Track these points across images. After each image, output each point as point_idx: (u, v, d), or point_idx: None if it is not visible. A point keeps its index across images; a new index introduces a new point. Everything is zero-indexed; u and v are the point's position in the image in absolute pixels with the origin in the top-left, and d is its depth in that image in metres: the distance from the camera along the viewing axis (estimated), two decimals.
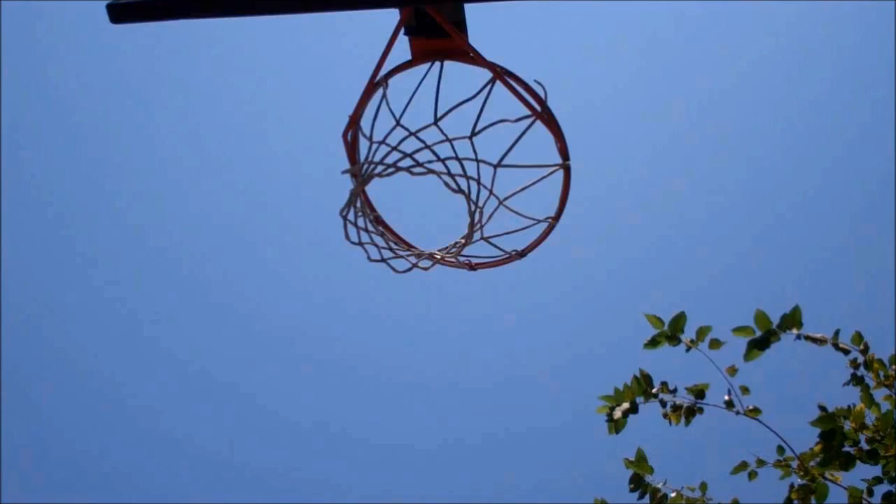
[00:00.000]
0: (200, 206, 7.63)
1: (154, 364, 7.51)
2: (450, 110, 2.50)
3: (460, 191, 2.59)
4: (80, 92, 7.69)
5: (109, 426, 7.35)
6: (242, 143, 7.77)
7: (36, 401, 7.29)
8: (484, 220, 2.60)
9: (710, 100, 7.55)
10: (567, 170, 2.50)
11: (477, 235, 2.61)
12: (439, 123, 2.58)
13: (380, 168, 2.57)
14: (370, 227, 2.72)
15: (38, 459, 7.25)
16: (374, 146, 2.61)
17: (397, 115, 2.57)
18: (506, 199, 2.55)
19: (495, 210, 2.58)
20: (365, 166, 2.58)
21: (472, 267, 2.71)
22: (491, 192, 2.53)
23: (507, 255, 2.65)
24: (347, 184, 2.67)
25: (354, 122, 2.58)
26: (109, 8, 2.08)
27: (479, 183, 2.55)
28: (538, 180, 2.57)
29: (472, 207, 2.55)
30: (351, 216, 2.63)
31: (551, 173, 2.55)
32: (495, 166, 2.49)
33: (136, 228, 7.88)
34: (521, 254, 2.65)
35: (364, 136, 2.71)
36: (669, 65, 7.50)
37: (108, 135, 7.78)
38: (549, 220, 2.59)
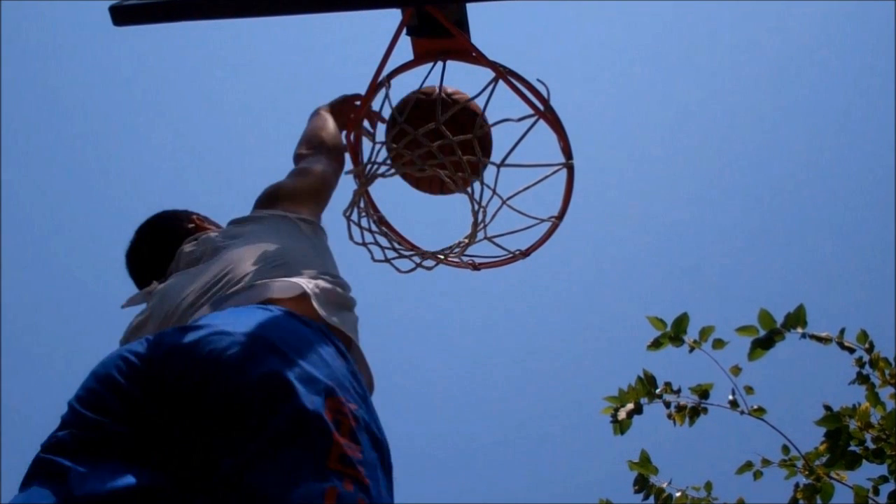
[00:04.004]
0: (201, 208, 7.64)
1: None
2: (452, 111, 2.49)
3: (471, 196, 2.58)
4: (82, 94, 7.68)
5: None
6: (243, 145, 7.77)
7: (37, 400, 7.28)
8: (487, 220, 2.58)
9: (712, 98, 7.55)
10: (570, 169, 2.49)
11: (480, 235, 2.60)
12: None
13: (383, 168, 2.56)
14: (373, 228, 2.71)
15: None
16: (377, 146, 2.60)
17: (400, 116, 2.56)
18: (509, 198, 2.53)
19: (498, 209, 2.57)
20: (368, 167, 2.57)
21: (476, 267, 2.69)
22: (494, 191, 2.51)
23: (511, 255, 2.63)
24: (350, 184, 2.66)
25: (357, 123, 2.56)
26: (112, 10, 2.07)
27: (482, 183, 2.53)
28: (542, 179, 2.55)
29: (476, 207, 2.53)
30: (354, 216, 2.62)
31: (555, 172, 2.53)
32: (498, 165, 2.48)
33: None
34: (525, 253, 2.63)
35: (367, 136, 2.69)
36: (670, 63, 7.49)
37: (110, 137, 7.77)
38: (553, 219, 2.57)
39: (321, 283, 1.87)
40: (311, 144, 2.51)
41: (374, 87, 2.45)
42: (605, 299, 7.39)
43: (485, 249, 2.68)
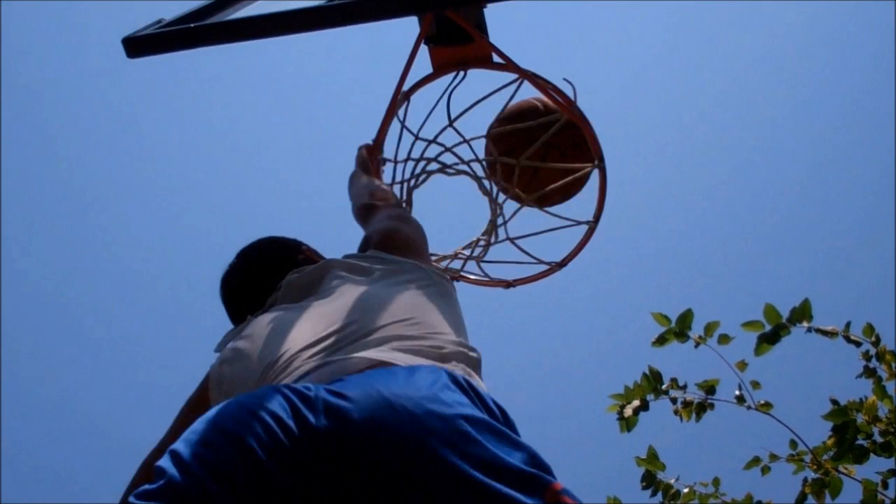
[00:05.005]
0: (221, 230, 7.55)
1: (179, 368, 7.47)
2: (465, 110, 2.47)
3: (489, 192, 2.56)
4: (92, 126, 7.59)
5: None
6: (264, 165, 7.64)
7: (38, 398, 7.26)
8: (507, 218, 2.55)
9: (718, 95, 7.53)
10: (602, 170, 2.45)
11: (502, 236, 2.58)
12: (458, 125, 2.53)
13: (412, 182, 2.55)
14: None
15: (38, 459, 7.21)
16: (400, 164, 2.57)
17: (417, 125, 2.53)
18: (531, 196, 2.49)
19: (518, 209, 2.54)
20: (399, 187, 2.56)
21: (510, 284, 2.64)
22: (518, 192, 2.49)
23: (548, 268, 2.59)
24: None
25: (379, 144, 2.54)
26: (126, 42, 2.02)
27: (505, 184, 2.50)
28: (570, 179, 2.51)
29: (496, 209, 2.52)
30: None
31: (584, 173, 2.49)
32: (517, 164, 2.44)
33: (159, 257, 7.74)
34: (561, 264, 2.59)
35: (390, 159, 2.64)
36: (676, 62, 7.47)
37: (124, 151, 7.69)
38: (589, 223, 2.52)
39: (464, 356, 1.66)
40: (382, 197, 2.30)
41: (395, 105, 2.43)
42: (610, 297, 7.38)
43: (517, 266, 2.64)
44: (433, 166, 2.52)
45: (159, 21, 2.13)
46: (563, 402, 6.83)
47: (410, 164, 2.57)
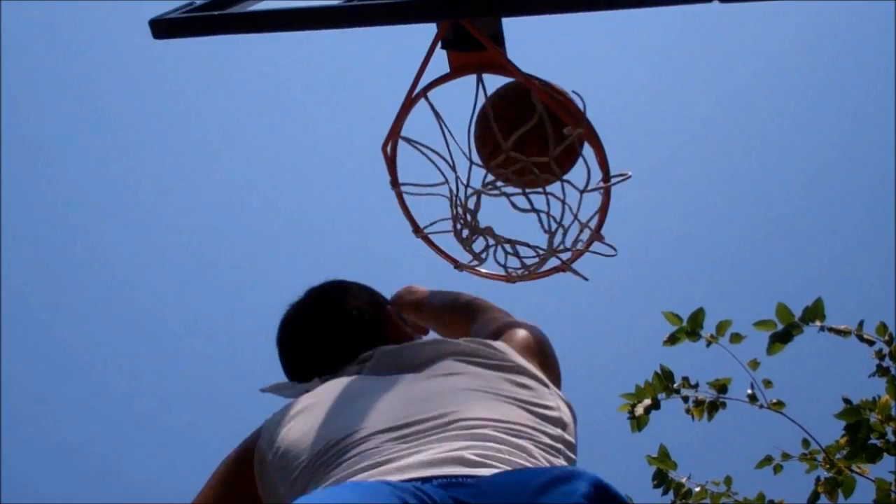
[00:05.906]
0: (242, 231, 7.52)
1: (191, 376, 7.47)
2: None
3: (533, 209, 2.56)
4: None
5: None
6: (282, 164, 7.60)
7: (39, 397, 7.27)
8: (559, 243, 2.54)
9: (723, 95, 7.51)
10: (609, 180, 2.44)
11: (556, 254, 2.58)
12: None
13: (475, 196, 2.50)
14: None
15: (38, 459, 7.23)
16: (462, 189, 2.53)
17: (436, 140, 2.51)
18: (588, 221, 2.46)
19: (580, 232, 2.53)
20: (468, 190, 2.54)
21: (512, 279, 2.64)
22: (563, 201, 2.48)
23: (553, 266, 2.59)
24: (375, 198, 2.64)
25: (394, 135, 2.54)
26: (152, 24, 2.03)
27: (564, 202, 2.49)
28: (607, 200, 2.51)
29: (551, 226, 2.51)
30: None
31: (601, 185, 2.49)
32: (564, 181, 2.43)
33: (179, 263, 7.72)
34: (566, 264, 2.61)
35: (409, 143, 2.62)
36: (674, 67, 7.45)
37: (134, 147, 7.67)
38: (592, 231, 2.53)
39: None
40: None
41: (410, 100, 2.41)
42: (621, 296, 7.37)
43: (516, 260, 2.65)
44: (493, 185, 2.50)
45: (190, 4, 2.14)
46: (573, 400, 6.84)
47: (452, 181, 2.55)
